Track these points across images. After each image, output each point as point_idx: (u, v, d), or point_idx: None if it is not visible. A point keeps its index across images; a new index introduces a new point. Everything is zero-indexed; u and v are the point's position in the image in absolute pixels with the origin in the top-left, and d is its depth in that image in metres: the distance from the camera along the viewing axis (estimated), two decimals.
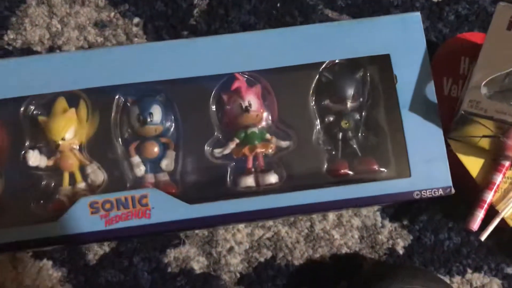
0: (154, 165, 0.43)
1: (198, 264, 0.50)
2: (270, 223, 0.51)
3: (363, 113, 0.45)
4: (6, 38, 0.53)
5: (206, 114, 0.43)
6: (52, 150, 0.43)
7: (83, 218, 0.39)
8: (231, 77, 0.43)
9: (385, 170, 0.43)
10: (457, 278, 0.50)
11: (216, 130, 0.44)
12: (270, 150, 0.43)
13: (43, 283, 0.50)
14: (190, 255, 0.50)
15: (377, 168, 0.43)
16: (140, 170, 0.43)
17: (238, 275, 0.50)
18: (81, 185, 0.43)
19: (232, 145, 0.43)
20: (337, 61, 0.44)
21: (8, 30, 0.53)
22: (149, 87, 0.43)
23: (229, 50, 0.42)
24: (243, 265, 0.50)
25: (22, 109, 0.43)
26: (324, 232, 0.51)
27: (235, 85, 0.42)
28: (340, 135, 0.44)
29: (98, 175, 0.43)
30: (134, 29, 0.53)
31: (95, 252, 0.50)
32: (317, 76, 0.44)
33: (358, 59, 0.43)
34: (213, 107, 0.44)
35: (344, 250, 0.51)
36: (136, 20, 0.54)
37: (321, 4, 0.54)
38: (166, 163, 0.43)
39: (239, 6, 0.53)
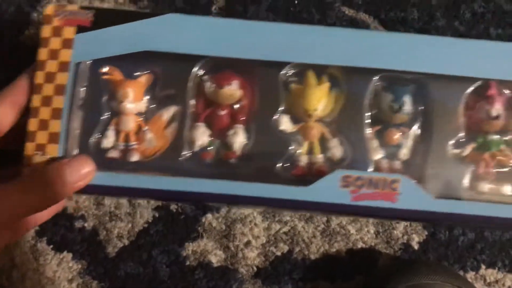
0: (391, 152, 0.44)
1: (216, 258, 0.51)
2: (287, 217, 0.52)
3: None
4: (27, 33, 0.54)
5: (454, 113, 0.44)
6: (298, 117, 0.45)
7: (334, 189, 0.41)
8: (485, 83, 0.44)
9: None
10: (471, 274, 0.51)
11: (461, 131, 0.44)
12: (510, 161, 0.44)
13: (63, 275, 0.51)
14: (208, 249, 0.51)
15: None
16: (378, 154, 0.44)
17: (255, 268, 0.51)
18: (319, 156, 0.44)
19: (469, 148, 0.44)
20: None
21: (30, 25, 0.54)
22: (403, 76, 0.44)
23: (488, 56, 0.43)
24: (260, 259, 0.51)
25: (281, 74, 0.44)
26: (340, 227, 0.51)
27: (490, 91, 0.43)
28: None
29: (339, 150, 0.44)
30: None
31: (115, 244, 0.51)
32: None
33: None
34: (462, 108, 0.44)
35: (360, 245, 0.51)
36: None
37: (339, 1, 0.54)
38: (404, 152, 0.44)
39: (257, 3, 0.54)
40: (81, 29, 0.43)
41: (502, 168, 0.44)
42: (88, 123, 0.44)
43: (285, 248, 0.51)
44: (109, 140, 0.44)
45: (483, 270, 0.51)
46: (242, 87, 0.45)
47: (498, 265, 0.51)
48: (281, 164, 0.44)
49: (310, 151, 0.44)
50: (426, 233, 0.51)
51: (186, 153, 0.44)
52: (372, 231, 0.51)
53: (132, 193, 0.43)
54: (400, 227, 0.51)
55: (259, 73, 0.44)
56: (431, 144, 0.44)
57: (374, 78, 0.44)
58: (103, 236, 0.51)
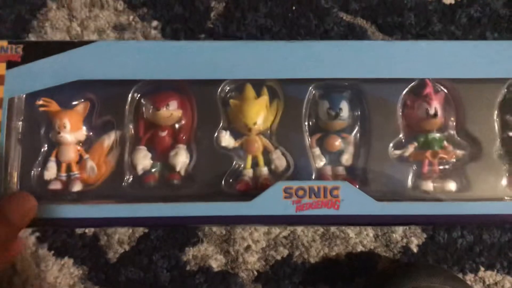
0: (333, 158, 0.45)
1: (216, 262, 0.51)
2: None
3: None
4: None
5: (392, 115, 0.45)
6: (239, 133, 0.45)
7: (277, 201, 0.41)
8: (421, 82, 0.44)
9: None
10: (470, 276, 0.51)
11: (401, 131, 0.45)
12: (452, 158, 0.44)
13: (64, 281, 0.51)
14: (208, 253, 0.51)
15: None
16: (321, 162, 0.45)
17: (256, 273, 0.51)
18: (263, 169, 0.44)
19: (411, 148, 0.44)
20: None
21: (30, 33, 0.54)
22: (339, 83, 0.45)
23: (422, 56, 0.44)
24: (260, 263, 0.51)
25: (218, 91, 0.45)
26: (339, 231, 0.52)
27: (426, 90, 0.44)
28: None
29: (282, 161, 0.44)
30: (153, 32, 0.55)
31: (115, 250, 0.51)
32: (504, 91, 0.45)
33: None
34: (400, 109, 0.45)
35: (359, 248, 0.52)
36: (154, 23, 0.55)
37: (336, 7, 0.55)
38: (346, 158, 0.45)
39: (255, 9, 0.54)
40: (11, 64, 0.43)
41: (445, 166, 0.45)
42: (28, 157, 0.44)
43: (285, 252, 0.52)
44: (50, 172, 0.43)
45: (482, 272, 0.51)
46: (181, 107, 0.45)
47: (497, 267, 0.51)
48: (225, 181, 0.44)
49: (254, 165, 0.45)
50: (425, 236, 0.52)
51: (128, 178, 0.44)
52: (371, 235, 0.52)
53: (75, 224, 0.43)
54: (399, 230, 0.52)
55: (196, 92, 0.45)
56: (371, 147, 0.44)
57: (310, 88, 0.45)
58: (104, 241, 0.52)
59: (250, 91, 0.45)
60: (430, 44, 0.45)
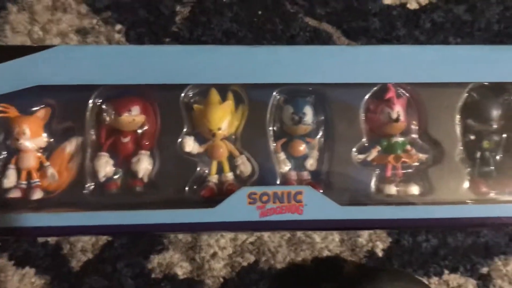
0: (298, 163, 0.45)
1: (182, 270, 0.51)
2: None
3: (503, 136, 0.46)
4: None
5: (355, 119, 0.45)
6: (204, 138, 0.44)
7: (241, 207, 0.41)
8: (383, 87, 0.45)
9: None
10: (434, 279, 0.52)
11: (364, 136, 0.45)
12: (414, 162, 0.45)
13: None
14: (173, 261, 0.51)
15: None
16: (286, 166, 0.45)
17: (222, 279, 0.51)
18: (229, 174, 0.44)
19: (374, 152, 0.45)
20: (485, 83, 0.45)
21: None
22: (303, 88, 0.45)
23: (384, 61, 0.44)
24: (227, 270, 0.51)
25: (182, 95, 0.44)
26: (305, 236, 0.52)
27: (389, 94, 0.44)
28: (479, 154, 0.46)
29: (247, 166, 0.44)
30: (116, 36, 0.54)
31: (79, 258, 0.50)
32: (465, 95, 0.46)
33: (505, 84, 0.45)
34: (363, 114, 0.45)
35: (325, 253, 0.52)
36: (118, 27, 0.54)
37: (302, 12, 0.55)
38: (311, 163, 0.45)
39: (221, 14, 0.54)
40: None
41: (408, 169, 0.45)
42: None
43: (252, 258, 0.51)
44: (10, 180, 0.43)
45: (446, 275, 0.52)
46: (144, 112, 0.44)
47: (460, 270, 0.52)
48: (190, 187, 0.44)
49: (220, 171, 0.44)
50: (390, 240, 0.52)
51: (90, 185, 0.44)
52: (337, 239, 0.52)
53: (36, 232, 0.42)
54: (364, 235, 0.52)
55: (160, 97, 0.44)
56: (335, 152, 0.45)
57: (274, 92, 0.45)
58: (66, 250, 0.51)
59: (214, 95, 0.44)
60: (392, 48, 0.45)
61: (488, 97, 0.46)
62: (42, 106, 0.44)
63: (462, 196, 0.44)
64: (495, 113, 0.46)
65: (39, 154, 0.44)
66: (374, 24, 0.55)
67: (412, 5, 0.56)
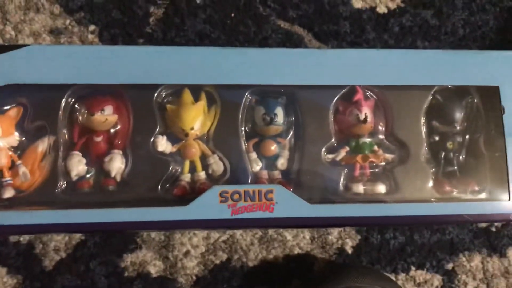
0: (269, 162, 0.46)
1: (155, 268, 0.51)
2: None
3: (466, 137, 0.48)
4: None
5: (325, 120, 0.46)
6: (176, 137, 0.45)
7: (213, 205, 0.41)
8: (351, 89, 0.46)
9: (483, 192, 0.46)
10: (401, 275, 0.53)
11: (333, 136, 0.46)
12: (381, 162, 0.46)
13: None
14: (146, 259, 0.51)
15: (476, 189, 0.46)
16: (257, 166, 0.46)
17: (195, 277, 0.52)
18: (201, 173, 0.45)
19: (343, 152, 0.46)
20: (449, 86, 0.47)
21: None
22: (275, 89, 0.46)
23: (352, 64, 0.45)
24: (199, 268, 0.52)
25: (155, 95, 0.45)
26: (277, 234, 0.53)
27: (357, 96, 0.45)
28: (443, 154, 0.47)
29: (219, 166, 0.45)
30: (90, 36, 0.54)
31: (51, 258, 0.51)
32: (430, 98, 0.47)
33: (468, 87, 0.47)
34: (332, 115, 0.46)
35: (296, 250, 0.53)
36: (92, 27, 0.54)
37: (274, 14, 0.56)
38: (282, 162, 0.46)
39: (194, 15, 0.55)
40: None
41: (375, 169, 0.47)
42: None
43: (224, 256, 0.52)
44: None
45: (413, 271, 0.54)
46: (117, 112, 0.45)
47: (427, 266, 0.54)
48: (162, 186, 0.44)
49: (192, 170, 0.45)
50: (359, 237, 0.53)
51: (62, 184, 0.44)
52: (307, 237, 0.53)
53: (7, 231, 0.42)
54: (334, 233, 0.53)
55: (133, 97, 0.45)
56: (305, 151, 0.46)
57: (246, 93, 0.46)
58: (39, 249, 0.51)
59: (187, 95, 0.45)
60: (360, 52, 0.46)
61: (452, 100, 0.47)
62: (14, 105, 0.44)
63: (426, 195, 0.46)
64: (458, 115, 0.47)
65: (11, 153, 0.44)
66: (344, 27, 0.56)
67: (382, 9, 0.57)
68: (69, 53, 0.43)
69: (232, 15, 0.55)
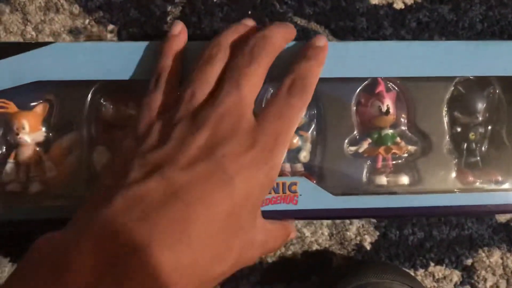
0: (291, 155, 0.47)
1: None
2: None
3: (488, 128, 0.48)
4: None
5: (347, 113, 0.47)
6: None
7: None
8: (373, 81, 0.46)
9: (507, 183, 0.47)
10: (420, 271, 0.53)
11: (355, 129, 0.47)
12: (404, 153, 0.46)
13: None
14: None
15: (500, 179, 0.47)
16: None
17: None
18: None
19: (365, 144, 0.46)
20: (470, 77, 0.47)
21: None
22: None
23: (374, 56, 0.45)
24: None
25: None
26: (296, 231, 0.53)
27: (378, 88, 0.46)
28: (465, 145, 0.47)
29: None
30: (109, 35, 0.55)
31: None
32: (452, 89, 0.47)
33: (489, 78, 0.47)
34: (354, 107, 0.47)
35: (315, 247, 0.53)
36: (110, 27, 0.55)
37: (291, 12, 0.56)
38: (304, 155, 0.46)
39: (211, 14, 0.55)
40: None
41: (398, 160, 0.47)
42: None
43: None
44: (9, 173, 0.43)
45: (431, 267, 0.54)
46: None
47: (446, 262, 0.54)
48: None
49: None
50: (377, 233, 0.53)
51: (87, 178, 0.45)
52: (326, 233, 0.53)
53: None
54: (353, 229, 0.53)
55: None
56: (327, 144, 0.46)
57: (268, 87, 0.46)
58: None
59: None
60: (381, 44, 0.46)
61: (474, 91, 0.47)
62: (41, 101, 0.45)
63: (450, 185, 0.46)
64: (480, 106, 0.47)
65: (38, 149, 0.44)
66: (361, 24, 0.56)
67: (398, 5, 0.57)
68: (93, 50, 0.44)
69: (249, 12, 0.56)
